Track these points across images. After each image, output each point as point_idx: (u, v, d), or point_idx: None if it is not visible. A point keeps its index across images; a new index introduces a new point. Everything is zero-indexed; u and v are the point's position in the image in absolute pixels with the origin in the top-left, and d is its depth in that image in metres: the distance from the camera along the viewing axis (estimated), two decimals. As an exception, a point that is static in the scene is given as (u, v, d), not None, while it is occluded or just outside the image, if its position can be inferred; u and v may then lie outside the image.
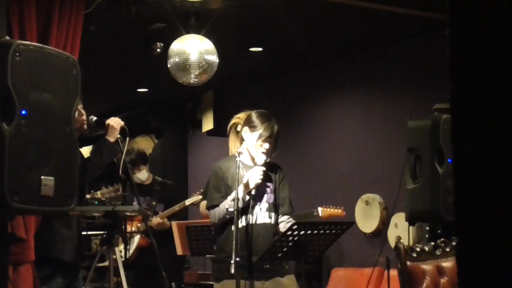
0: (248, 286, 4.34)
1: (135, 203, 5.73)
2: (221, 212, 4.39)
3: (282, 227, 4.38)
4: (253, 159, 4.46)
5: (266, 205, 4.47)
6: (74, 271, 4.39)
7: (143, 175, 6.55)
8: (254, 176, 4.36)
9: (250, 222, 4.41)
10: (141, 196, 6.50)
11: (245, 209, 4.41)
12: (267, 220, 4.44)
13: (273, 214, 4.47)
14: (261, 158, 4.45)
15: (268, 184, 4.52)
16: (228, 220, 4.36)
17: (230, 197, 4.40)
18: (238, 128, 4.54)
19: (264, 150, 4.44)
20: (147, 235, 6.15)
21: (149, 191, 6.54)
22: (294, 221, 4.37)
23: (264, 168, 4.40)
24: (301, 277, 4.58)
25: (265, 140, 4.46)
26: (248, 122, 4.44)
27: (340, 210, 6.05)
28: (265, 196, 4.49)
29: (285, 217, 4.49)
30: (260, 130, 4.43)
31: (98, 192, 5.06)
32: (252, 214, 4.42)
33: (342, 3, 5.92)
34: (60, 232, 4.30)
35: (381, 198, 7.27)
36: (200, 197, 5.94)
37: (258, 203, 4.47)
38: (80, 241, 4.47)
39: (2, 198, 2.99)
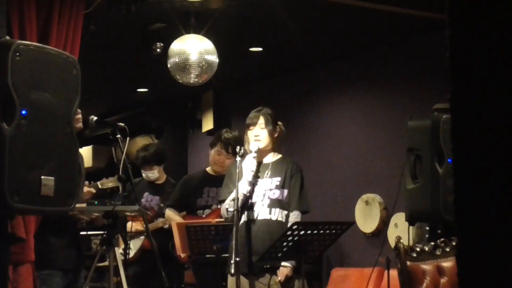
0: (248, 283, 4.36)
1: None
2: (223, 210, 4.51)
3: (289, 224, 4.40)
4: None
5: (268, 201, 4.47)
6: (74, 273, 4.39)
7: (153, 174, 6.54)
8: (246, 164, 4.44)
9: (251, 218, 4.43)
10: (152, 194, 6.51)
11: (247, 205, 4.46)
12: (268, 216, 4.44)
13: (277, 210, 4.46)
14: (252, 146, 4.52)
15: (275, 179, 4.53)
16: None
17: (230, 197, 4.44)
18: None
19: (253, 139, 4.52)
20: (147, 236, 6.14)
21: (160, 191, 6.54)
22: (294, 221, 4.38)
23: (254, 155, 4.47)
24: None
25: (248, 129, 4.56)
26: None
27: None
28: (268, 192, 4.50)
29: (292, 213, 4.50)
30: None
31: (98, 183, 5.08)
32: (253, 210, 4.45)
33: (342, 3, 5.92)
34: (52, 243, 4.30)
35: (381, 198, 7.27)
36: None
37: (261, 199, 4.48)
38: (78, 246, 4.47)
39: (2, 198, 2.99)
